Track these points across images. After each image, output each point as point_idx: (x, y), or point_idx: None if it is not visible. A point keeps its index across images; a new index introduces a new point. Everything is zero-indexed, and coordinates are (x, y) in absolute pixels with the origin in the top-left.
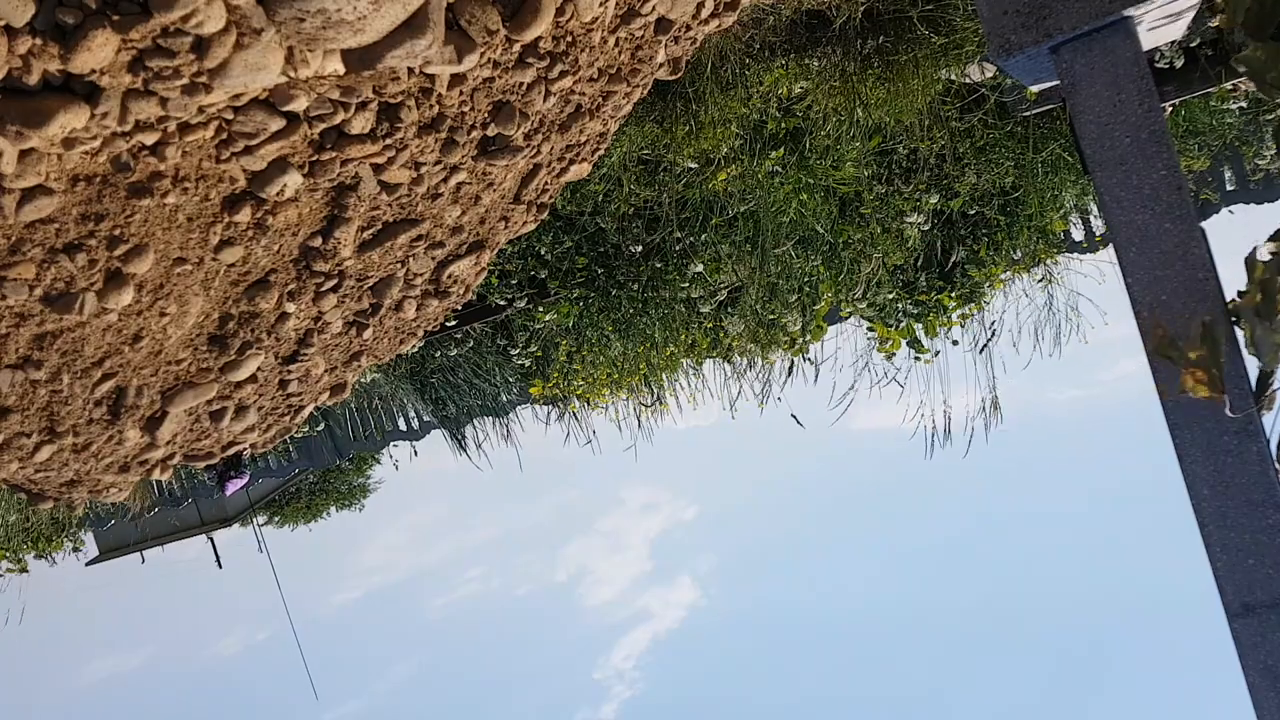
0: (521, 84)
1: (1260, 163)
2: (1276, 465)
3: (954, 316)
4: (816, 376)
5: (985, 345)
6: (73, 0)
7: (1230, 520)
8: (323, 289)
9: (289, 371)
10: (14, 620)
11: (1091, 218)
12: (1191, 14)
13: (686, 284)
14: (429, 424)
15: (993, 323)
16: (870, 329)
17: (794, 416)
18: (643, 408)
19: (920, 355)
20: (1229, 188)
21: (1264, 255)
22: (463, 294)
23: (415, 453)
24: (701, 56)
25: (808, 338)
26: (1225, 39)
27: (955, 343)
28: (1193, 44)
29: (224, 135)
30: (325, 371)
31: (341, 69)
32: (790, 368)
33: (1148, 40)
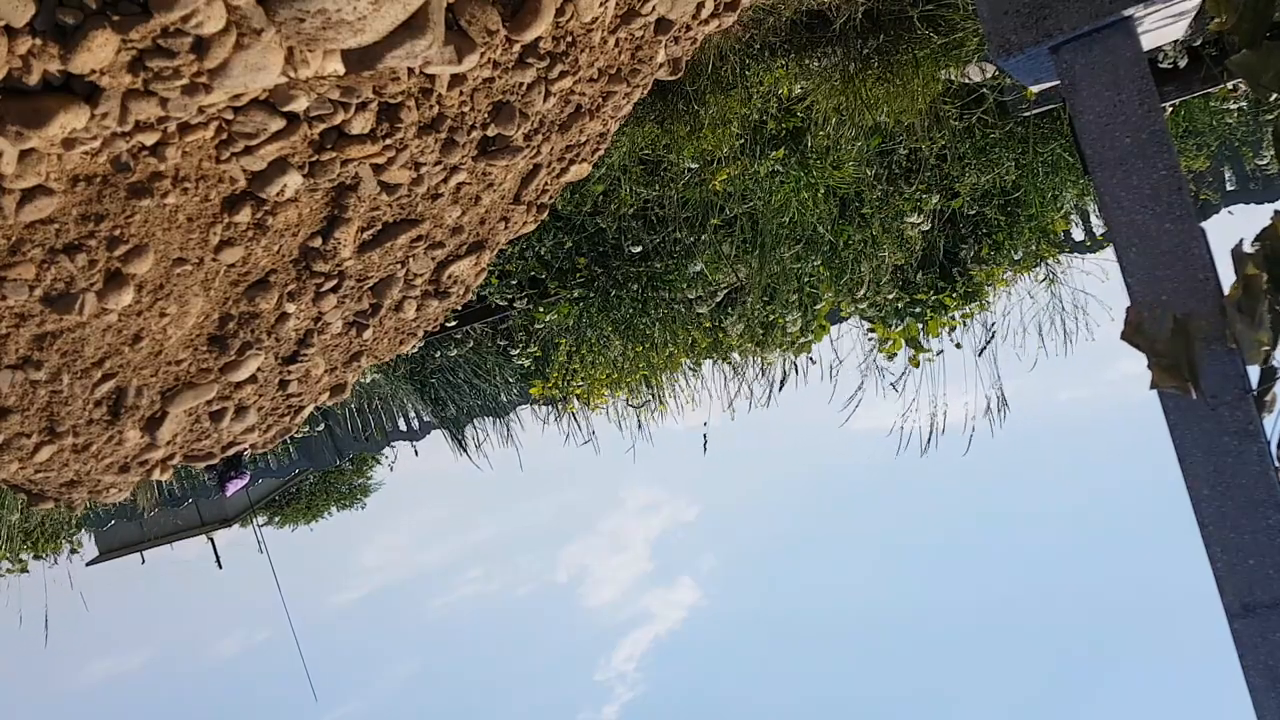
0: (521, 84)
1: (1260, 163)
2: (1276, 465)
3: (956, 316)
4: (820, 376)
5: (984, 348)
6: (73, 0)
7: (1230, 520)
8: (323, 289)
9: (289, 372)
10: (13, 621)
11: (1092, 218)
12: (1192, 14)
13: (686, 284)
14: (429, 424)
15: (992, 324)
16: (871, 329)
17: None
18: (643, 410)
19: (918, 356)
20: (1229, 188)
21: (1249, 251)
22: (463, 294)
23: (393, 463)
24: (701, 56)
25: (809, 338)
26: (1226, 39)
27: (958, 346)
28: (1196, 43)
29: (224, 135)
30: (325, 372)
31: (341, 69)
32: (802, 371)
33: (1148, 40)
